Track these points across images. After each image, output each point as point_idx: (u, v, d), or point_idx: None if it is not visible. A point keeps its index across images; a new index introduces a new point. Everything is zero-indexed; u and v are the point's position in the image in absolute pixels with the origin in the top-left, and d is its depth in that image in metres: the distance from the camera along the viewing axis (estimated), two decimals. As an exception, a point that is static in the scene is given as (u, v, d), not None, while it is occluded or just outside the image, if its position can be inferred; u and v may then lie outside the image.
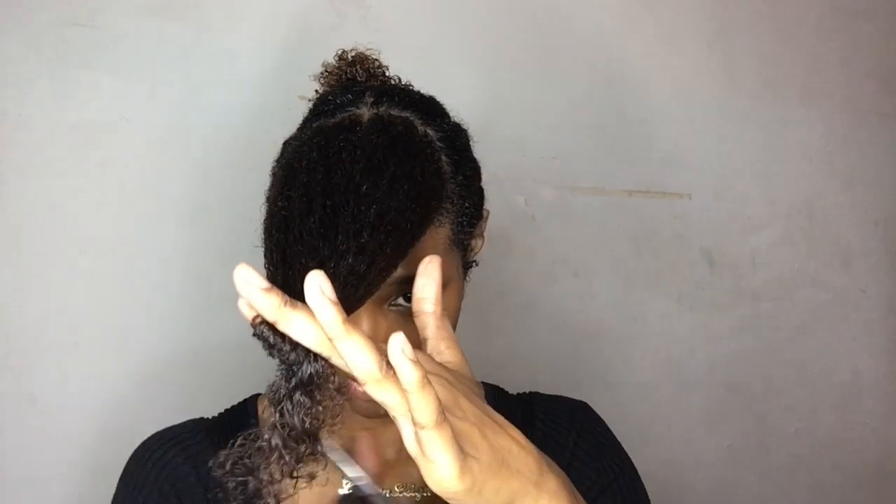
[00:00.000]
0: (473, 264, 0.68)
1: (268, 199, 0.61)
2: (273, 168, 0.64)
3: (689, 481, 1.29)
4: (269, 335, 0.44)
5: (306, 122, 0.66)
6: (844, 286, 1.37)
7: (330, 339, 0.41)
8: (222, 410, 0.74)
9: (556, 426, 0.74)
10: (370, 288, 0.49)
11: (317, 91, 0.72)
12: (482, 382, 0.73)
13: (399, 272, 0.55)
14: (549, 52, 1.21)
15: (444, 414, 0.43)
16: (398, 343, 0.40)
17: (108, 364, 1.00)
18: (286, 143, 0.66)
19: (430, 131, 0.62)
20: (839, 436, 1.37)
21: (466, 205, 0.63)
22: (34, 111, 0.97)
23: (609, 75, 1.24)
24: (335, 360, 0.44)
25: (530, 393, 0.78)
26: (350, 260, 0.48)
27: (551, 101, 1.21)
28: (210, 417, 0.73)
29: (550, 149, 1.21)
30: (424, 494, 0.68)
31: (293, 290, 0.43)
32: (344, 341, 0.41)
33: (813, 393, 1.36)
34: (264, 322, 0.43)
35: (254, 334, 0.44)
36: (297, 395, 0.45)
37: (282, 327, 0.42)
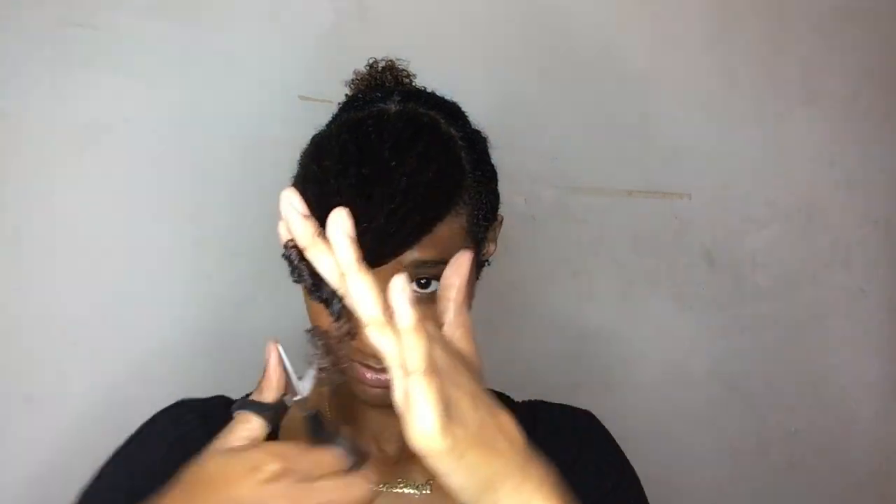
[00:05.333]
0: (486, 264, 0.70)
1: (298, 174, 0.64)
2: (301, 158, 0.66)
3: (689, 481, 1.29)
4: (295, 259, 0.48)
5: (335, 117, 0.69)
6: (844, 286, 1.37)
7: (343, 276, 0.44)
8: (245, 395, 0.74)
9: (558, 434, 0.74)
10: (398, 248, 0.54)
11: (347, 95, 0.74)
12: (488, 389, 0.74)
13: (416, 255, 0.58)
14: (549, 52, 1.21)
15: (436, 370, 0.44)
16: (399, 283, 0.43)
17: (107, 364, 1.00)
18: (314, 137, 0.68)
19: (453, 130, 0.65)
20: (839, 436, 1.37)
21: (483, 201, 0.66)
22: (34, 111, 0.97)
23: (609, 75, 1.24)
24: (347, 301, 0.46)
25: (536, 401, 0.79)
26: (383, 221, 0.53)
27: (551, 101, 1.21)
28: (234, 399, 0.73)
29: (550, 149, 1.21)
30: (425, 492, 0.69)
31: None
32: (355, 278, 0.43)
33: (813, 393, 1.36)
34: (295, 247, 0.47)
35: (283, 255, 0.49)
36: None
37: (309, 255, 0.46)
